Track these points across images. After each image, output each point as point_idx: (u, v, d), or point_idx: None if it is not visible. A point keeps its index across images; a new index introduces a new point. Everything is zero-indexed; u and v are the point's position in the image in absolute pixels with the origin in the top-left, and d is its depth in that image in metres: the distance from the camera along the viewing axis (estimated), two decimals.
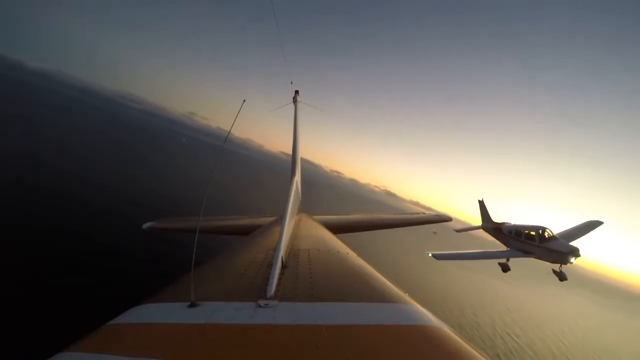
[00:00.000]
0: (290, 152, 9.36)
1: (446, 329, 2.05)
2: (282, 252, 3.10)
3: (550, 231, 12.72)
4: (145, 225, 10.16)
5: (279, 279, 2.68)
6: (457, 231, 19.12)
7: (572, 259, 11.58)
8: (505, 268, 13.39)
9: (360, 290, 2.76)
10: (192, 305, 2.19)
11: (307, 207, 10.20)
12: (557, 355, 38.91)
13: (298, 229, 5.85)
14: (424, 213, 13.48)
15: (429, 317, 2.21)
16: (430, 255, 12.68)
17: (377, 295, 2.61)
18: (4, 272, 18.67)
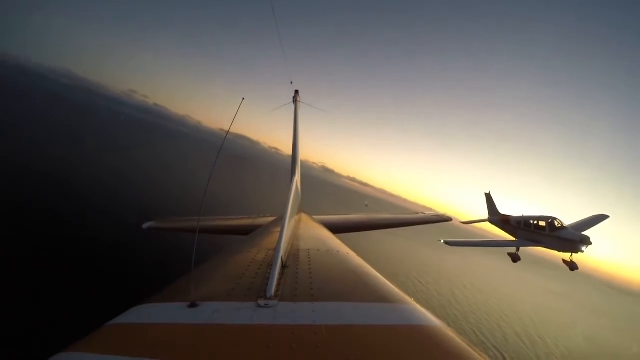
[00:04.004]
0: (289, 151, 9.35)
1: (446, 329, 2.06)
2: (282, 252, 3.10)
3: (560, 221, 12.69)
4: (145, 225, 10.13)
5: (279, 279, 2.67)
6: (464, 223, 19.12)
7: (584, 248, 11.53)
8: (515, 258, 13.26)
9: (360, 290, 2.76)
10: (192, 305, 2.19)
11: (306, 206, 10.20)
12: (460, 298, 47.99)
13: (298, 229, 5.84)
14: (424, 213, 13.46)
15: (429, 317, 2.21)
16: (442, 242, 12.89)
17: (377, 295, 2.61)
18: (1, 275, 18.65)
